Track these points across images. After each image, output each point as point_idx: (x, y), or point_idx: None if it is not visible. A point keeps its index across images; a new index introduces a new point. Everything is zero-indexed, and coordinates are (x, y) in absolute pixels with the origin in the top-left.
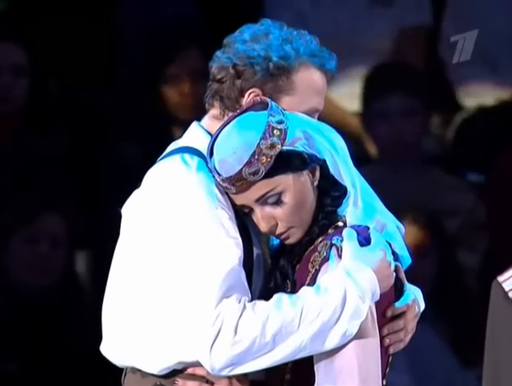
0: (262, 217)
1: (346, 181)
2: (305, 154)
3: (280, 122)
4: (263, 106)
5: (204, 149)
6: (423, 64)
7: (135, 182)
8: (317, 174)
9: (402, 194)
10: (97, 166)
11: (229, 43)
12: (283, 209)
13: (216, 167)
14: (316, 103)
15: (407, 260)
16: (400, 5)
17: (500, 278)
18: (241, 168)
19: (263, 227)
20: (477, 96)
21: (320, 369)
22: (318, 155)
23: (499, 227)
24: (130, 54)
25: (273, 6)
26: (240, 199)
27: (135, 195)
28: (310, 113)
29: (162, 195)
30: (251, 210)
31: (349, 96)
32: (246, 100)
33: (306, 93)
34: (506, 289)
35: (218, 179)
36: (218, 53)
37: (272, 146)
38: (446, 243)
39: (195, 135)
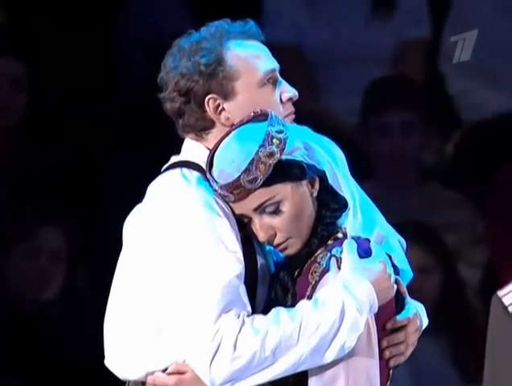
0: (260, 227)
1: (345, 193)
2: (304, 164)
3: (280, 132)
4: (264, 118)
5: (202, 163)
6: (422, 78)
7: (136, 196)
8: (316, 185)
9: (401, 208)
10: (97, 180)
11: (162, 80)
12: (282, 219)
13: (215, 177)
14: (265, 65)
15: (409, 274)
16: (399, 18)
17: (500, 293)
18: (239, 175)
19: (262, 237)
20: (477, 110)
21: (311, 381)
22: (317, 166)
23: (499, 242)
24: (130, 67)
25: (271, 19)
26: (238, 208)
27: (136, 210)
28: (271, 76)
29: (161, 211)
30: (250, 219)
31: (348, 110)
32: (210, 110)
33: (248, 65)
34: (506, 303)
35: (216, 187)
36: (161, 95)
37: (271, 155)
38: (446, 257)
39: (192, 149)
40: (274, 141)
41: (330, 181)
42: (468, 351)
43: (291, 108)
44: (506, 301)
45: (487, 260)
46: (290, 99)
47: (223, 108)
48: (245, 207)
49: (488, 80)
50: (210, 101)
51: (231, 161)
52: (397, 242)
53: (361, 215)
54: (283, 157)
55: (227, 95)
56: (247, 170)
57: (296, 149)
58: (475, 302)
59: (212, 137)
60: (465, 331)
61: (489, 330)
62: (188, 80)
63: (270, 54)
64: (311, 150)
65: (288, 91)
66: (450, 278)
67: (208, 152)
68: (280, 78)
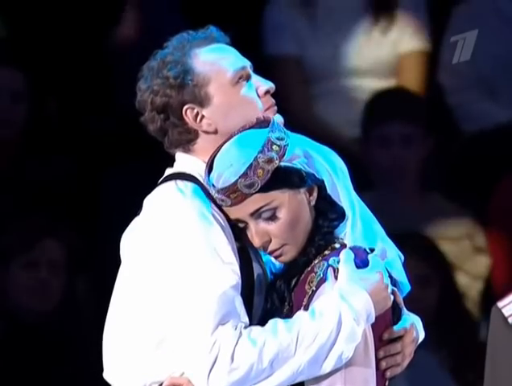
0: (256, 232)
1: (344, 203)
2: (303, 172)
3: (280, 139)
4: (266, 124)
5: (197, 174)
6: (422, 90)
7: (135, 208)
8: (314, 193)
9: (401, 220)
10: (96, 191)
11: (140, 104)
12: (278, 225)
13: (213, 180)
14: (233, 64)
15: (406, 287)
16: (399, 30)
17: (500, 304)
18: (237, 179)
19: (256, 242)
20: (476, 121)
21: None
22: (316, 175)
23: (498, 253)
24: (130, 78)
25: (272, 32)
26: (235, 213)
27: (134, 224)
28: (242, 73)
29: (157, 224)
30: (246, 225)
31: (348, 122)
32: (190, 120)
33: (215, 68)
34: (506, 314)
35: (214, 191)
36: (142, 119)
37: (270, 161)
38: (446, 268)
39: (184, 161)
40: (274, 147)
41: (329, 190)
42: (467, 362)
43: (270, 101)
44: (506, 312)
45: (487, 271)
46: (267, 92)
47: (202, 116)
48: (241, 211)
49: (487, 91)
50: (188, 112)
51: (230, 165)
52: (396, 254)
53: (360, 227)
54: (282, 164)
55: (202, 102)
56: (245, 175)
57: (296, 157)
58: (475, 313)
59: (199, 147)
60: (465, 342)
61: (488, 341)
62: (162, 96)
63: (237, 53)
64: (311, 159)
65: (263, 84)
66: (449, 289)
67: (199, 162)
68: (253, 74)
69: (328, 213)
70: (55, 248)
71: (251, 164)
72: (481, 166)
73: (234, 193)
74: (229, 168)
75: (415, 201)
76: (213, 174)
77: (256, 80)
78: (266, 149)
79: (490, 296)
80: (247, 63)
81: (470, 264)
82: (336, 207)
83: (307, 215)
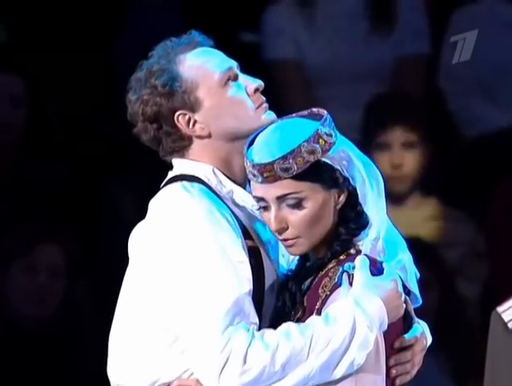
0: (275, 217)
1: (371, 214)
2: (339, 174)
3: (329, 135)
4: (319, 117)
5: (202, 175)
6: (422, 94)
7: (135, 212)
8: (343, 198)
9: (401, 225)
10: (96, 196)
11: (131, 116)
12: (299, 216)
13: (252, 154)
14: (220, 65)
15: (418, 301)
16: (399, 34)
17: (499, 309)
18: (275, 160)
19: (273, 226)
20: (476, 125)
21: None
22: (351, 181)
23: (499, 258)
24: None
25: (271, 36)
26: (261, 191)
27: (141, 224)
28: (230, 74)
29: (166, 223)
30: (267, 207)
31: (348, 127)
32: (183, 127)
33: (202, 71)
34: (506, 319)
35: (248, 164)
36: (135, 130)
37: (312, 152)
38: (446, 274)
39: (184, 164)
40: (321, 141)
41: (359, 199)
42: (467, 366)
43: (261, 99)
44: (506, 317)
45: (487, 276)
46: (256, 90)
47: (195, 121)
48: (268, 192)
49: (487, 95)
50: (180, 118)
51: (272, 144)
52: (413, 269)
53: (382, 244)
54: (323, 159)
55: (193, 107)
56: (284, 158)
57: (338, 158)
58: (474, 318)
59: (195, 152)
60: (465, 347)
61: (488, 346)
62: (152, 105)
63: (223, 55)
64: (351, 164)
65: (252, 82)
66: (449, 294)
67: (200, 164)
68: (240, 73)
69: (350, 222)
70: (54, 252)
71: (293, 149)
72: (482, 171)
73: (268, 172)
74: (271, 147)
75: (415, 206)
76: (254, 147)
77: (244, 79)
78: (312, 140)
79: (490, 301)
80: (233, 64)
81: (470, 269)
82: (361, 217)
83: (329, 217)
